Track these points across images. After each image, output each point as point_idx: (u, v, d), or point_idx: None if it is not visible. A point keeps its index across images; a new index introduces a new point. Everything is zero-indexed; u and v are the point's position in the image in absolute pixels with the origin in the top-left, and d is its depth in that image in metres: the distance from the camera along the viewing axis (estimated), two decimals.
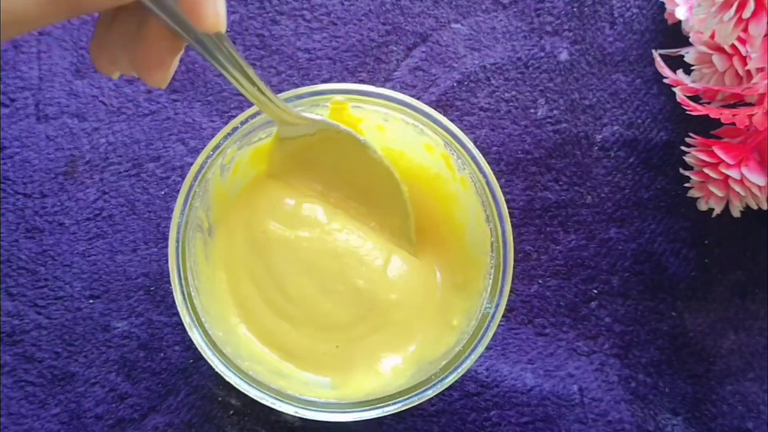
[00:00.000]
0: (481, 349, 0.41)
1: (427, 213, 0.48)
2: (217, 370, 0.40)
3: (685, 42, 0.51)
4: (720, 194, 0.47)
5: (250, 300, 0.45)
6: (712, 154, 0.47)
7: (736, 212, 0.48)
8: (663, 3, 0.52)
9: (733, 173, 0.46)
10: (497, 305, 0.42)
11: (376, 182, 0.46)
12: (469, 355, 0.41)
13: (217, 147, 0.42)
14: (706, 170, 0.47)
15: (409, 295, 0.46)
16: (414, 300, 0.46)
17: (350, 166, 0.45)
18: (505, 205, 0.42)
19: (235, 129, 0.42)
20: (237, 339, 0.44)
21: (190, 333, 0.40)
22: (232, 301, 0.45)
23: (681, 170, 0.50)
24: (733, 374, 0.50)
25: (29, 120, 0.50)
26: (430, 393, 0.40)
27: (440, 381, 0.40)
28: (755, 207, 0.47)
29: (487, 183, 0.43)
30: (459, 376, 0.41)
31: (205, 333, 0.40)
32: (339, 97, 0.44)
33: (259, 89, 0.38)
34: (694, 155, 0.48)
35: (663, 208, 0.51)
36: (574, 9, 0.53)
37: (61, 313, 0.48)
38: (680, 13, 0.50)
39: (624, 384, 0.49)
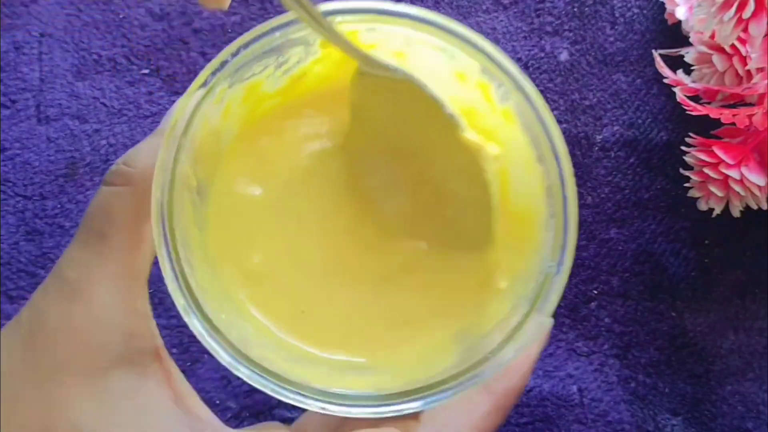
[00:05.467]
0: (550, 310, 0.33)
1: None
2: (222, 361, 0.33)
3: (685, 42, 0.51)
4: (720, 194, 0.47)
5: (256, 267, 0.38)
6: (712, 154, 0.46)
7: (736, 212, 0.48)
8: (663, 3, 0.52)
9: (733, 173, 0.45)
10: (560, 263, 0.33)
11: (454, 170, 0.37)
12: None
13: (203, 85, 0.34)
14: (706, 170, 0.47)
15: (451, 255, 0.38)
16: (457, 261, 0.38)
17: (423, 139, 0.37)
18: (562, 141, 0.34)
19: (224, 63, 0.34)
20: (243, 321, 0.37)
21: (185, 317, 0.33)
22: (235, 272, 0.38)
23: (681, 170, 0.50)
24: (733, 374, 0.50)
25: (30, 122, 0.50)
26: (488, 374, 0.33)
27: (505, 355, 0.33)
28: (755, 207, 0.47)
29: (538, 115, 0.34)
30: (524, 347, 0.33)
31: (204, 316, 0.33)
32: (343, 18, 0.34)
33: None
34: (694, 155, 0.48)
35: (663, 208, 0.51)
36: (575, 9, 0.53)
37: None
38: (680, 13, 0.49)
39: (623, 384, 0.49)
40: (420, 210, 0.38)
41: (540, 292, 0.33)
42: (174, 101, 0.51)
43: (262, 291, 0.37)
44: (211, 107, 0.34)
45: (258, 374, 0.32)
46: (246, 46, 0.34)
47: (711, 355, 0.50)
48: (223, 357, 0.32)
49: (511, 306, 0.35)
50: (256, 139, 0.38)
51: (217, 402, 0.48)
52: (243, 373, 0.32)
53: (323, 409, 0.32)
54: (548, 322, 0.34)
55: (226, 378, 0.48)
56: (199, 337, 0.33)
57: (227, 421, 0.48)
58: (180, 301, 0.33)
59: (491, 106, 0.37)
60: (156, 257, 0.33)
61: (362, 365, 0.37)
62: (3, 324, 0.48)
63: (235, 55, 0.34)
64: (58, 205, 0.50)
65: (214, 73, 0.34)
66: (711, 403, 0.49)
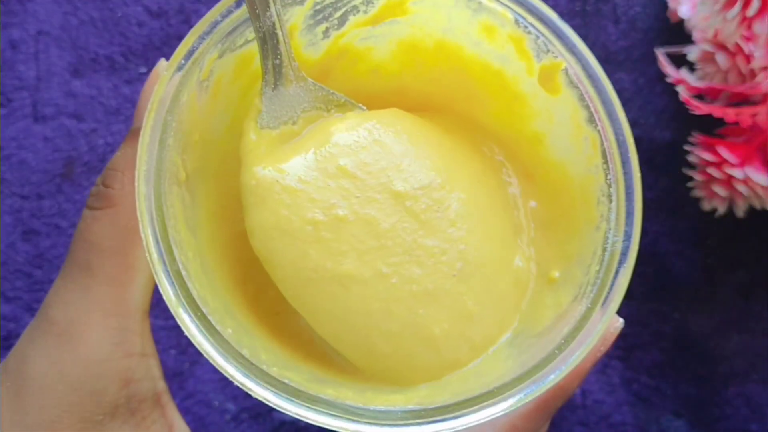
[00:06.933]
0: (617, 301, 0.28)
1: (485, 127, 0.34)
2: (236, 382, 0.27)
3: (688, 40, 0.50)
4: (723, 194, 0.47)
5: (262, 297, 0.31)
6: (715, 153, 0.46)
7: (740, 212, 0.48)
8: (665, 1, 0.51)
9: (736, 173, 0.45)
10: (629, 235, 0.28)
11: None
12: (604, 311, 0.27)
13: (190, 54, 0.27)
14: (709, 170, 0.47)
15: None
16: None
17: None
18: (616, 97, 0.30)
19: (214, 25, 0.28)
20: (252, 338, 0.30)
21: (189, 332, 0.27)
22: (239, 296, 0.31)
23: (684, 170, 0.49)
24: (737, 376, 0.49)
25: (27, 121, 0.50)
26: (556, 376, 0.27)
27: (569, 355, 0.27)
28: (759, 207, 0.47)
29: (585, 68, 0.30)
30: (592, 343, 0.27)
31: (211, 329, 0.26)
32: None
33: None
34: (697, 154, 0.47)
35: (666, 208, 0.51)
36: (577, 7, 0.53)
37: None
38: (683, 11, 0.49)
39: (626, 386, 0.49)
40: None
41: (609, 272, 0.28)
42: None
43: (267, 309, 0.31)
44: (200, 81, 0.28)
45: (280, 396, 0.27)
46: (239, 3, 0.28)
47: (715, 357, 0.49)
48: (236, 376, 0.27)
49: (573, 295, 0.29)
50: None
51: (216, 404, 0.47)
52: (263, 394, 0.27)
53: (359, 431, 0.26)
54: (619, 324, 0.30)
55: (225, 379, 0.47)
56: (205, 353, 0.27)
57: (226, 423, 0.47)
58: (180, 313, 0.26)
59: (528, 65, 0.32)
60: (155, 286, 0.28)
61: (394, 389, 0.31)
62: (2, 325, 0.48)
63: (225, 16, 0.28)
64: (55, 205, 0.49)
65: (201, 39, 0.28)
66: (715, 405, 0.49)
